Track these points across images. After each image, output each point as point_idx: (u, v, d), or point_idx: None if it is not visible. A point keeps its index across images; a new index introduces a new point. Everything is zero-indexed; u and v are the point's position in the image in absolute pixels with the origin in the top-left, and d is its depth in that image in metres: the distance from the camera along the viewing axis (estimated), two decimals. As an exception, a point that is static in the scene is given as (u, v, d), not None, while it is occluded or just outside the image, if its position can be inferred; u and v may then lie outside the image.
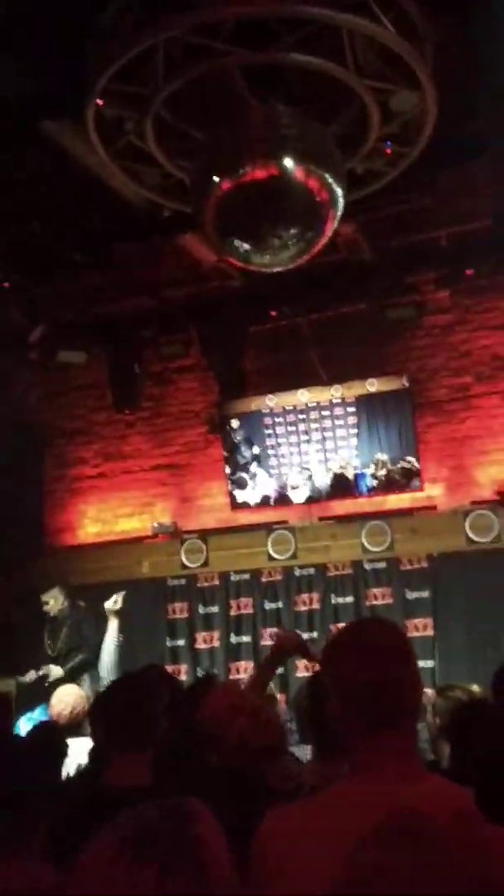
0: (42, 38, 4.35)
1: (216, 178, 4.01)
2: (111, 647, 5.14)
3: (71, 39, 4.28)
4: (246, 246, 4.21)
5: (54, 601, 6.95)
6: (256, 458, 7.47)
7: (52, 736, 3.44)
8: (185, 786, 1.05)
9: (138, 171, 4.81)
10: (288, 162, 3.92)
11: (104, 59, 3.81)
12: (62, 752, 3.45)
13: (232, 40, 3.86)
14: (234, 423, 7.56)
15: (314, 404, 7.26)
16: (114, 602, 5.45)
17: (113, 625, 5.34)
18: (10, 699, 3.02)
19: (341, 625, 6.16)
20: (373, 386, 7.03)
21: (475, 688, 3.83)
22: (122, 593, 5.48)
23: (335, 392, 7.17)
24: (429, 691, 4.31)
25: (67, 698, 4.67)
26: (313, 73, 4.06)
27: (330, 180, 3.98)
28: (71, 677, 6.20)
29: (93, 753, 3.25)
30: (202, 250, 6.18)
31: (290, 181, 3.92)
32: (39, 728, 3.73)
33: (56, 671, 6.54)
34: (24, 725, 4.60)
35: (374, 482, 7.04)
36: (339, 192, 4.04)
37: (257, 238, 4.12)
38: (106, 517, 8.27)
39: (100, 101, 4.07)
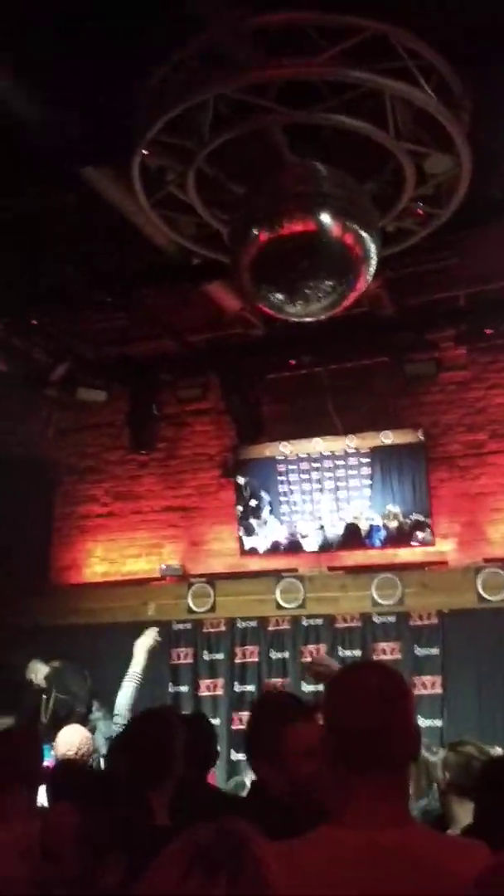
0: (87, 84, 4.53)
1: (255, 230, 4.10)
2: (132, 686, 5.01)
3: (113, 88, 4.46)
4: (279, 296, 4.29)
5: (35, 673, 7.06)
6: (269, 504, 7.49)
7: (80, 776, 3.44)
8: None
9: (175, 220, 4.92)
10: (325, 217, 4.02)
11: (154, 110, 3.93)
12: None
13: (276, 98, 4.00)
14: (248, 469, 7.60)
15: (329, 453, 7.31)
16: (150, 638, 5.30)
17: (138, 662, 5.21)
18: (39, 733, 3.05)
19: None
20: (388, 438, 7.09)
21: (488, 747, 3.81)
22: (156, 630, 5.39)
23: (350, 442, 7.23)
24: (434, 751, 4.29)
25: (73, 739, 4.62)
26: (350, 133, 4.19)
27: (365, 237, 4.07)
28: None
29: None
30: (227, 298, 6.30)
31: (327, 236, 4.02)
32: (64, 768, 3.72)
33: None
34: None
35: (386, 534, 7.04)
36: (373, 248, 4.14)
37: (291, 289, 4.20)
38: (113, 557, 8.25)
39: (146, 151, 4.18)
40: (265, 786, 2.25)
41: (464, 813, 3.18)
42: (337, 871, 1.38)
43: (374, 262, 4.23)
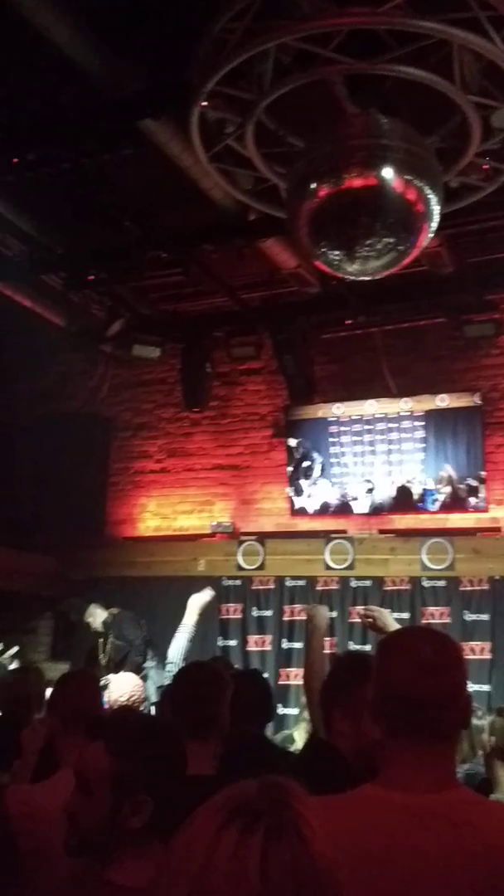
0: (147, 36, 4.48)
1: (314, 185, 4.03)
2: (183, 640, 5.15)
3: (176, 40, 4.40)
4: (337, 253, 4.21)
5: (94, 618, 7.21)
6: (320, 465, 7.47)
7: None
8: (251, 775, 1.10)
9: (233, 174, 4.86)
10: (387, 172, 3.92)
11: (214, 61, 3.86)
12: None
13: (338, 49, 3.89)
14: (300, 430, 7.58)
15: (382, 416, 7.24)
16: (206, 595, 5.43)
17: (192, 615, 5.34)
18: (97, 677, 3.14)
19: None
20: (443, 401, 6.98)
21: None
22: (211, 589, 5.54)
23: (404, 405, 7.14)
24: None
25: (126, 685, 4.74)
26: (414, 85, 4.07)
27: (428, 193, 3.96)
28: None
29: None
30: (283, 255, 6.24)
31: (389, 191, 3.92)
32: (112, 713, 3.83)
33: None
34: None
35: (438, 499, 6.98)
36: (435, 205, 4.03)
37: (350, 246, 4.11)
38: (166, 512, 8.37)
39: (205, 103, 4.12)
40: (334, 740, 2.26)
41: None
42: (377, 829, 1.39)
43: (436, 218, 4.12)
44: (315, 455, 7.50)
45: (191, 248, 6.13)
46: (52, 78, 4.62)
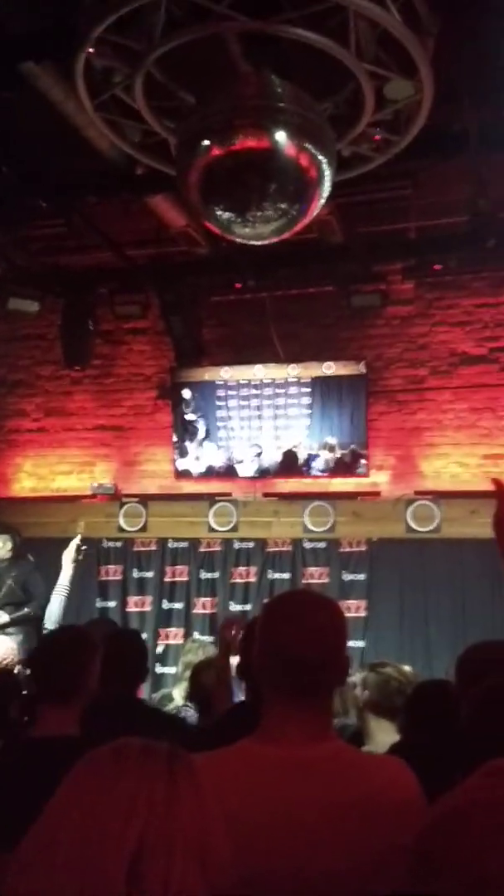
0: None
1: (205, 143, 3.89)
2: (60, 598, 5.12)
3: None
4: (228, 214, 4.10)
5: (1, 546, 6.80)
6: (205, 428, 7.43)
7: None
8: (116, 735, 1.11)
9: (120, 125, 4.64)
10: (281, 135, 3.83)
11: (103, 7, 3.64)
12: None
13: (234, 5, 3.75)
14: (186, 392, 7.50)
15: (269, 381, 7.26)
16: (72, 548, 5.42)
17: (66, 574, 5.30)
18: None
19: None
20: (330, 369, 7.06)
21: (406, 667, 3.95)
22: (79, 538, 5.51)
23: (292, 371, 7.18)
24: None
25: (-1, 650, 4.64)
26: (309, 49, 3.98)
27: (321, 159, 3.90)
28: (9, 626, 6.18)
29: (25, 705, 3.25)
30: (171, 213, 6.06)
31: (282, 155, 3.83)
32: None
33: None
34: None
35: (322, 463, 7.10)
36: (328, 172, 3.98)
37: (241, 208, 4.01)
38: (43, 472, 8.12)
39: (91, 50, 3.89)
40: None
41: (380, 730, 3.31)
42: (254, 781, 1.43)
43: (328, 186, 4.07)
44: (200, 418, 7.45)
45: (74, 198, 5.85)
46: None
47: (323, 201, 4.26)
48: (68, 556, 5.52)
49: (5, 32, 4.17)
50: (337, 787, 1.41)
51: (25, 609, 6.44)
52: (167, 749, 1.06)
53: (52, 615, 5.26)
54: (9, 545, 6.79)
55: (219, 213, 4.18)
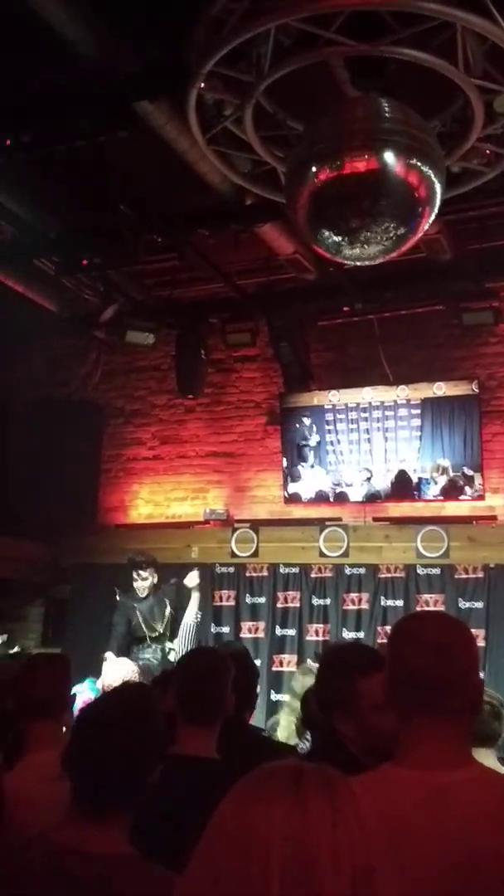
0: (144, 15, 4.38)
1: (314, 168, 3.96)
2: (190, 623, 5.27)
3: (173, 21, 4.30)
4: (337, 238, 4.15)
5: (144, 580, 6.81)
6: (315, 453, 7.44)
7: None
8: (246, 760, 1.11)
9: (230, 157, 4.79)
10: (389, 155, 3.85)
11: (212, 42, 3.79)
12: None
13: (340, 30, 3.82)
14: (295, 417, 7.54)
15: (378, 403, 7.20)
16: (190, 578, 5.59)
17: (194, 601, 5.45)
18: (69, 662, 3.07)
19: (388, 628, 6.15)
20: (440, 389, 6.95)
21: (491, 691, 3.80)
22: (196, 571, 5.65)
23: (401, 392, 7.11)
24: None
25: (119, 671, 4.76)
26: (416, 68, 4.00)
27: (430, 177, 3.91)
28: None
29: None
30: (280, 241, 6.18)
31: (390, 175, 3.86)
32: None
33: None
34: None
35: (434, 487, 6.96)
36: (437, 189, 3.97)
37: (350, 231, 4.05)
38: (158, 499, 8.32)
39: (202, 85, 4.05)
40: (341, 737, 2.23)
41: (480, 757, 3.16)
42: (395, 807, 1.41)
43: (437, 203, 4.06)
44: (311, 442, 7.46)
45: (186, 232, 6.05)
46: (46, 58, 4.51)
47: (432, 219, 4.25)
48: (190, 585, 5.66)
49: (120, 72, 4.37)
50: (483, 813, 1.38)
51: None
52: (322, 770, 1.07)
53: (185, 640, 5.41)
54: (155, 577, 6.80)
55: (327, 236, 4.23)
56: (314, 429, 7.43)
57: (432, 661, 1.46)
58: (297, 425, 7.51)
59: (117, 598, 6.87)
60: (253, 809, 1.01)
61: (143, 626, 6.48)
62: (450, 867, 1.34)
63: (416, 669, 1.47)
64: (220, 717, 2.45)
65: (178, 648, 5.19)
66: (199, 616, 5.43)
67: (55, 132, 4.93)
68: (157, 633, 6.47)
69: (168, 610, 6.58)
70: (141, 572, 6.71)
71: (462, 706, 1.49)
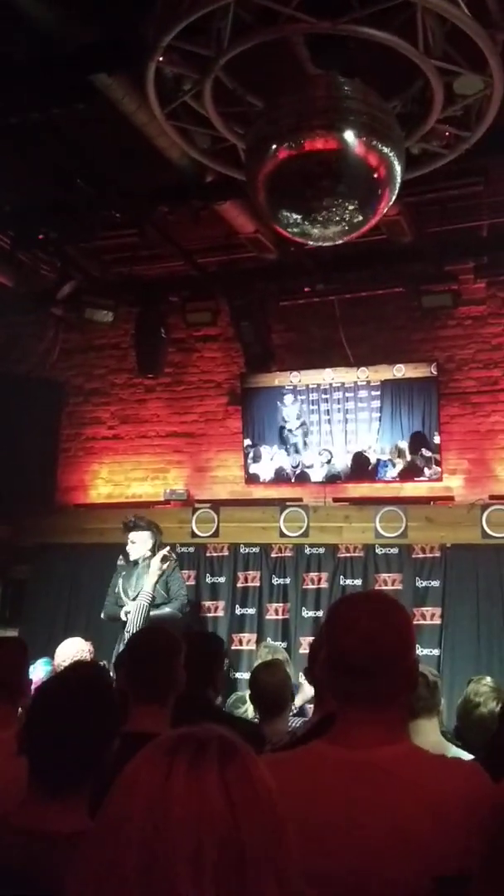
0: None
1: (273, 146, 3.92)
2: (142, 604, 5.26)
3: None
4: (296, 217, 4.12)
5: (133, 543, 6.39)
6: (275, 433, 7.45)
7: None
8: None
9: (190, 133, 4.72)
10: (349, 135, 3.83)
11: (172, 15, 3.71)
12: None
13: (300, 7, 3.77)
14: (256, 398, 7.53)
15: (339, 385, 7.22)
16: (162, 559, 5.56)
17: (151, 581, 5.43)
18: (26, 646, 3.08)
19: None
20: (400, 371, 6.98)
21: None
22: (168, 548, 5.60)
23: (361, 374, 7.13)
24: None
25: (70, 650, 4.77)
26: (376, 48, 3.97)
27: (390, 157, 3.89)
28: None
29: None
30: (241, 219, 6.12)
31: (350, 155, 3.83)
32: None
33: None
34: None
35: (393, 468, 7.02)
36: (398, 170, 3.96)
37: (310, 210, 4.02)
38: (118, 479, 8.27)
39: (161, 58, 3.97)
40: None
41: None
42: (321, 781, 1.43)
43: (397, 184, 4.05)
44: (271, 423, 7.46)
45: (146, 208, 5.96)
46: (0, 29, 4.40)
47: (392, 200, 4.24)
48: (156, 564, 5.62)
49: (77, 44, 4.28)
50: (405, 789, 1.39)
51: (167, 609, 6.07)
52: (219, 734, 1.04)
53: (134, 619, 5.40)
54: (149, 543, 6.36)
55: (287, 215, 4.20)
56: (274, 410, 7.42)
57: (362, 648, 1.47)
58: (257, 407, 7.50)
59: (118, 562, 6.60)
60: (133, 773, 1.00)
61: (121, 593, 6.24)
62: (364, 841, 1.35)
63: (347, 656, 1.49)
64: (170, 694, 2.49)
65: (128, 627, 5.16)
66: (152, 596, 5.37)
67: (9, 104, 4.81)
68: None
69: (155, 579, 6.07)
70: (130, 535, 6.40)
71: (393, 690, 1.50)
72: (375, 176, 3.92)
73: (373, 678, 1.46)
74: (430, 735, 3.07)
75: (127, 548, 6.45)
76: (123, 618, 5.93)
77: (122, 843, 0.93)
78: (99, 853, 0.95)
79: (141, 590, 5.80)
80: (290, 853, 0.98)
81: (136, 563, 6.36)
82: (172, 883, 0.89)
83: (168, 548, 5.89)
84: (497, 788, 1.35)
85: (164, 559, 5.67)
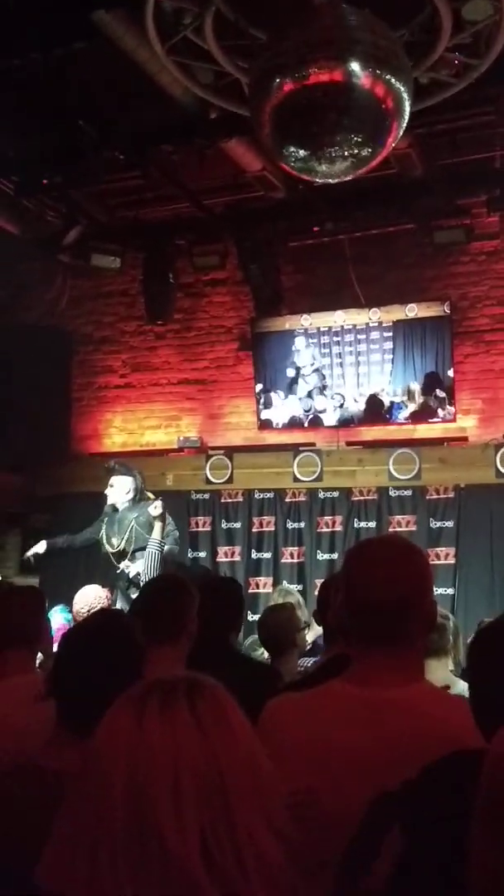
0: None
1: (278, 80, 3.81)
2: (154, 551, 5.33)
3: None
4: (302, 152, 4.02)
5: (111, 487, 6.28)
6: (287, 378, 7.40)
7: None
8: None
9: (192, 69, 4.59)
10: (355, 65, 3.71)
11: None
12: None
13: None
14: (266, 342, 7.47)
15: (350, 327, 7.13)
16: (154, 507, 5.61)
17: (157, 530, 5.49)
18: (42, 593, 3.15)
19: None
20: (412, 311, 6.88)
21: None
22: (160, 499, 5.64)
23: (373, 315, 7.04)
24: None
25: (89, 596, 4.83)
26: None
27: (398, 88, 3.78)
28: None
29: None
30: (247, 157, 5.98)
31: (357, 86, 3.72)
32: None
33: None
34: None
35: (406, 410, 6.98)
36: (406, 101, 3.85)
37: (316, 145, 3.93)
38: (132, 427, 8.28)
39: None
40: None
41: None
42: (338, 717, 1.46)
43: (406, 116, 3.94)
44: (283, 367, 7.41)
45: (149, 149, 5.84)
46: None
47: (401, 132, 4.13)
48: (153, 514, 5.69)
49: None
50: (425, 725, 1.42)
51: (166, 547, 5.84)
52: (190, 681, 1.07)
53: (149, 567, 5.47)
54: (127, 486, 6.21)
55: (293, 151, 4.10)
56: (285, 354, 7.36)
57: (382, 591, 1.49)
58: (268, 351, 7.44)
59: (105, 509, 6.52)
60: (109, 721, 1.04)
61: (104, 539, 6.21)
62: (384, 776, 1.35)
63: (366, 599, 1.51)
64: (182, 635, 2.54)
65: (142, 575, 5.22)
66: (164, 545, 5.42)
67: (8, 45, 4.68)
68: (116, 550, 6.14)
69: (133, 527, 6.09)
70: (111, 479, 6.29)
71: (412, 632, 1.52)
72: (383, 107, 3.82)
73: (392, 621, 1.48)
74: (436, 672, 3.12)
75: (105, 491, 6.34)
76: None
77: (108, 784, 0.97)
78: (86, 797, 1.00)
79: (148, 541, 5.80)
80: (272, 788, 1.02)
81: (116, 509, 6.27)
82: (154, 813, 0.94)
83: (160, 499, 5.88)
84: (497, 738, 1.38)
85: (161, 517, 5.71)
